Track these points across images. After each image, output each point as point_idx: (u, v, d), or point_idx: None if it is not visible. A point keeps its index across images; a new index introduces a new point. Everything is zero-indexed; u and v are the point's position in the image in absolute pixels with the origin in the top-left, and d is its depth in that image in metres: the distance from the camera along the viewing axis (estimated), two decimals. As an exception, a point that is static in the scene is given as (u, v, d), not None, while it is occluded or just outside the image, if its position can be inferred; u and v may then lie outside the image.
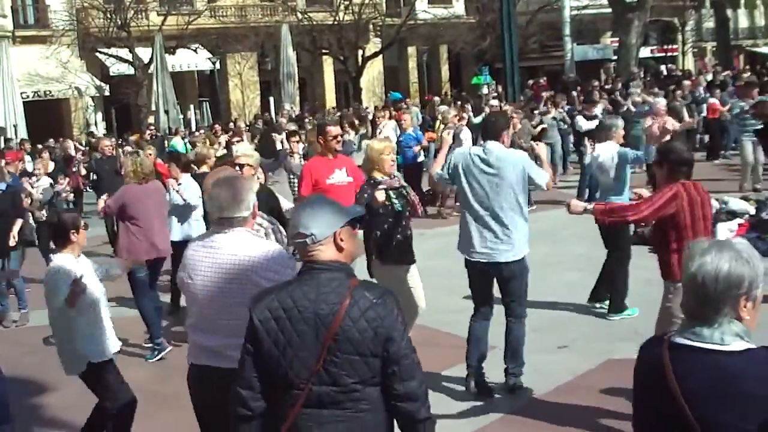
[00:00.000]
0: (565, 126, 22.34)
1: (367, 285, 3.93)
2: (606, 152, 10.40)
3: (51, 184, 16.47)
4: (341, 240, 3.95)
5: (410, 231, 8.66)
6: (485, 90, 38.61)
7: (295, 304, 3.81)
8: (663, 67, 48.02)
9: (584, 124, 19.80)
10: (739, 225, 13.62)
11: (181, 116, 39.60)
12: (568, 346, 9.37)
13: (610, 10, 40.49)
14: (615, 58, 41.97)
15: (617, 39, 41.36)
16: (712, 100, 24.90)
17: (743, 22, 70.43)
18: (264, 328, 3.81)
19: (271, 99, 46.95)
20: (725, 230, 13.35)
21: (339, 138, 10.05)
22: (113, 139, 26.23)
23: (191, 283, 5.11)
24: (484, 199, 7.72)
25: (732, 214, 14.01)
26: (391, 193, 8.39)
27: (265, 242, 5.28)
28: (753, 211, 14.27)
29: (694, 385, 3.06)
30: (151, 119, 38.18)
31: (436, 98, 34.79)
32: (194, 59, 47.38)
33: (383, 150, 8.54)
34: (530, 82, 36.91)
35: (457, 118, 20.12)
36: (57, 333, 7.02)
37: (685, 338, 3.16)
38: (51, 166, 18.83)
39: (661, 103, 18.06)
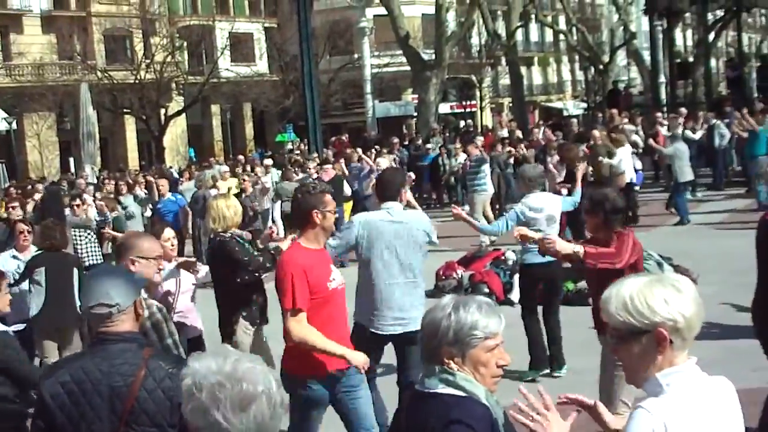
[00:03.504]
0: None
1: (161, 355, 3.89)
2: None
3: None
4: (141, 309, 3.91)
5: None
6: (289, 147, 38.81)
7: (88, 377, 3.70)
8: (462, 123, 49.42)
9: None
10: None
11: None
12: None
13: (409, 68, 41.46)
14: (416, 114, 42.97)
15: (417, 96, 42.33)
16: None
17: (537, 79, 73.52)
18: (56, 404, 3.69)
19: (71, 159, 45.77)
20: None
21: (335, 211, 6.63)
22: None
23: None
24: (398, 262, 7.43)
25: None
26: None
27: None
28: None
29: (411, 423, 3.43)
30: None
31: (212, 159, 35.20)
32: (-12, 119, 45.82)
33: (234, 208, 8.22)
34: (333, 139, 37.29)
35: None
36: None
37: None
38: None
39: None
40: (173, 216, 18.41)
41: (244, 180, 20.76)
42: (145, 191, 21.74)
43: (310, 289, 6.02)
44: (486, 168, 20.73)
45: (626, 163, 19.85)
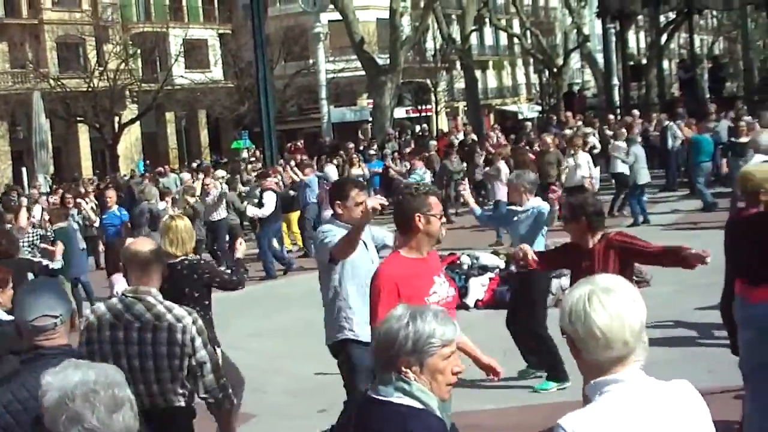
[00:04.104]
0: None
1: None
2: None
3: None
4: (76, 321, 3.86)
5: None
6: (245, 154, 38.62)
7: (31, 394, 3.60)
8: (418, 127, 49.52)
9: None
10: (490, 279, 14.07)
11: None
12: (326, 410, 9.36)
13: (364, 73, 41.47)
14: (371, 119, 42.98)
15: (372, 101, 42.35)
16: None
17: (492, 83, 73.84)
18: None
19: (24, 169, 45.25)
20: (477, 285, 13.77)
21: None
22: None
23: None
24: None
25: (483, 269, 14.46)
26: None
27: None
28: (503, 265, 14.75)
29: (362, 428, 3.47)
30: None
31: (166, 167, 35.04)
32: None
33: (192, 231, 7.84)
34: (289, 144, 37.17)
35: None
36: None
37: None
38: None
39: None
40: (115, 230, 18.14)
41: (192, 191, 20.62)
42: (95, 202, 21.48)
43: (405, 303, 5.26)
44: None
45: (584, 166, 20.07)
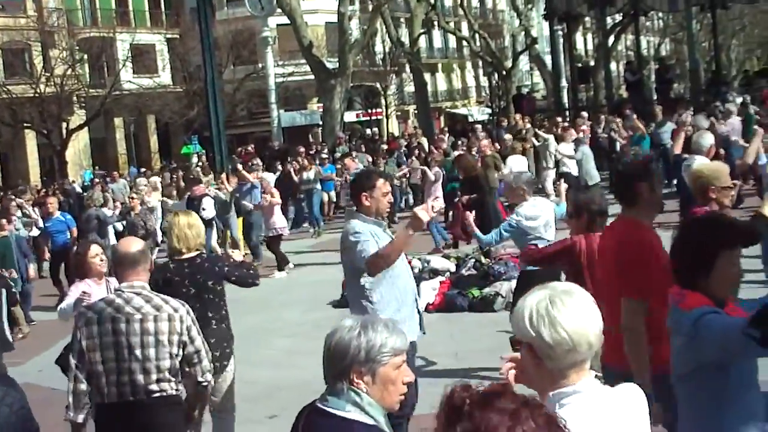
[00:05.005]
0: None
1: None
2: None
3: None
4: None
5: None
6: (195, 159, 38.43)
7: None
8: (369, 131, 49.57)
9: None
10: (441, 283, 14.11)
11: None
12: (278, 415, 9.35)
13: (314, 77, 41.43)
14: (321, 123, 42.93)
15: (322, 105, 42.31)
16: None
17: (442, 85, 74.06)
18: None
19: (-30, 176, 44.78)
20: (428, 288, 13.80)
21: None
22: None
23: None
24: None
25: (434, 273, 14.50)
26: None
27: None
28: (453, 269, 14.82)
29: None
30: None
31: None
32: None
33: (199, 227, 7.61)
34: (240, 149, 37.04)
35: None
36: None
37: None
38: None
39: None
40: (63, 238, 18.01)
41: (131, 198, 20.45)
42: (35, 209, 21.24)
43: (653, 275, 5.10)
44: None
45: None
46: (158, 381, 5.73)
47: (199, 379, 5.98)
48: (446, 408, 2.41)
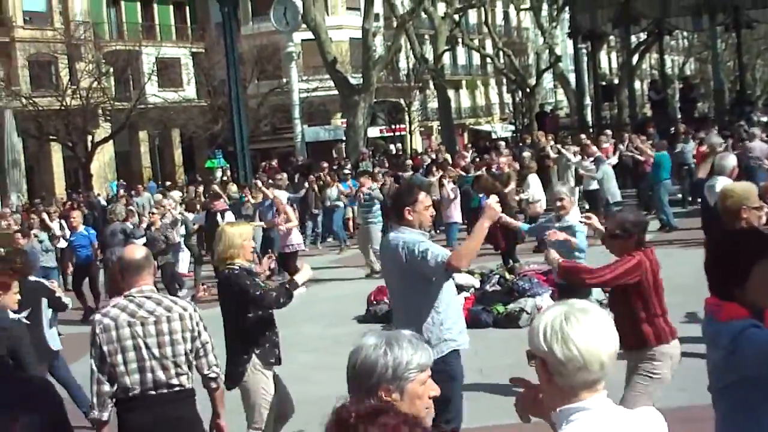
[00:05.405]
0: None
1: None
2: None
3: None
4: None
5: None
6: (219, 173, 38.58)
7: None
8: (392, 146, 49.62)
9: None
10: (466, 299, 14.06)
11: None
12: (303, 430, 9.34)
13: (338, 92, 41.57)
14: (345, 138, 43.04)
15: (346, 120, 42.41)
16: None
17: (465, 102, 74.10)
18: None
19: (-5, 188, 45.04)
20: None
21: None
22: None
23: None
24: None
25: (459, 289, 14.44)
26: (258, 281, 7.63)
27: None
28: (478, 285, 14.79)
29: None
30: None
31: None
32: None
33: (245, 235, 7.68)
34: (263, 164, 37.18)
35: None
36: None
37: None
38: None
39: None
40: (86, 253, 18.11)
41: (152, 214, 20.49)
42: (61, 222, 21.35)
43: None
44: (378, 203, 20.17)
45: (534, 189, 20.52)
46: (177, 375, 6.13)
47: (205, 372, 6.32)
48: (335, 420, 2.65)
